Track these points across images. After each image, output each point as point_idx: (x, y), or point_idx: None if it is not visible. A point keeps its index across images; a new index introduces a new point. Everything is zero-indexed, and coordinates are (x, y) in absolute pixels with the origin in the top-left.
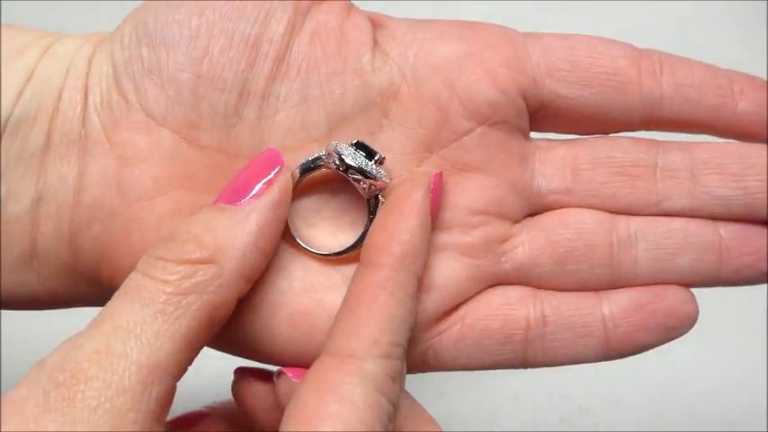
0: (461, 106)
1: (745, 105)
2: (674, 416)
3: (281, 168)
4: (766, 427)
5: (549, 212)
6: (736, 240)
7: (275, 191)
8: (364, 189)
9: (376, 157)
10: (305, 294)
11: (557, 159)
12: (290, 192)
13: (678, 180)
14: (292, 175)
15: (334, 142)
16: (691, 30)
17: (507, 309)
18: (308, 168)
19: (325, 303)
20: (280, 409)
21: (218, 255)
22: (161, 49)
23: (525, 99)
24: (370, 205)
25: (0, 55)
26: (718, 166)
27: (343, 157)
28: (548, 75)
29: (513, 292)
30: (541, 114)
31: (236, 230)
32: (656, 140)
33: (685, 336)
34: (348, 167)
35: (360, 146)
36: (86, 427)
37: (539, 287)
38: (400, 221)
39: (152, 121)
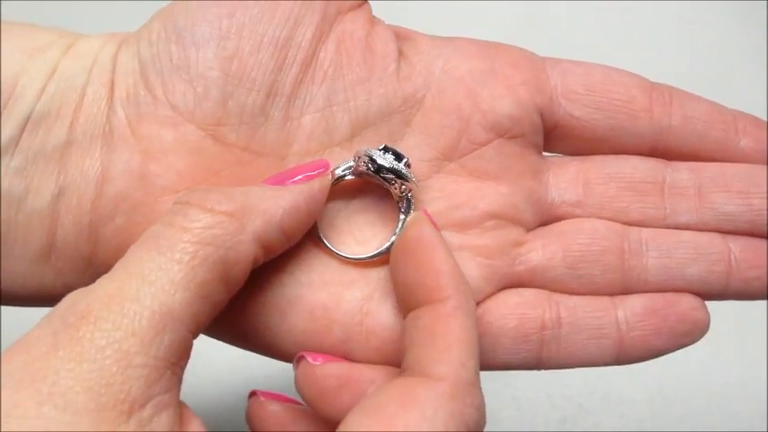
0: (482, 117)
1: (747, 142)
2: (674, 416)
3: (325, 169)
4: (766, 427)
5: (563, 221)
6: (745, 253)
7: (315, 184)
8: (395, 190)
9: (404, 160)
10: (324, 288)
11: (569, 174)
12: (327, 192)
13: (685, 197)
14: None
15: (363, 148)
16: (691, 30)
17: (524, 308)
18: (340, 177)
19: (345, 297)
20: (295, 427)
21: (242, 212)
22: (190, 48)
23: (542, 117)
24: (401, 206)
25: (0, 52)
26: (725, 184)
27: (375, 158)
28: (563, 96)
29: (529, 293)
30: (555, 134)
31: (268, 201)
32: (664, 160)
33: None
34: (380, 168)
35: (388, 150)
36: (93, 365)
37: (552, 291)
38: (433, 258)
39: (179, 116)
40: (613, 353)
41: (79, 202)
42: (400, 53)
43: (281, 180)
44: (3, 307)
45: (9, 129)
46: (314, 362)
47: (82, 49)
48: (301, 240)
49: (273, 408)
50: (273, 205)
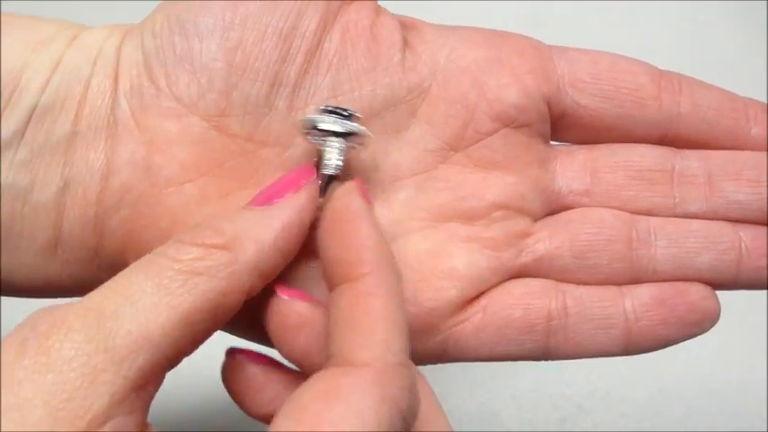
0: (488, 107)
1: (758, 130)
2: (674, 416)
3: (310, 176)
4: (766, 427)
5: (571, 210)
6: (756, 241)
7: (302, 195)
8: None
9: (349, 111)
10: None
11: (576, 162)
12: (316, 200)
13: (695, 185)
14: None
15: (304, 116)
16: (691, 30)
17: (529, 298)
18: (331, 177)
19: None
20: (270, 391)
21: (234, 243)
22: (194, 39)
23: (548, 106)
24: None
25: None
26: (735, 172)
27: (317, 124)
28: (570, 85)
29: (536, 283)
30: (562, 123)
31: (258, 225)
32: (673, 148)
33: None
34: (322, 132)
35: (329, 111)
36: (57, 377)
37: (560, 281)
38: (356, 231)
39: (182, 108)
40: (621, 343)
41: (85, 194)
42: (405, 43)
43: (267, 198)
44: (3, 300)
45: (14, 121)
46: (281, 294)
47: (86, 41)
48: None
49: (252, 369)
50: (265, 229)
